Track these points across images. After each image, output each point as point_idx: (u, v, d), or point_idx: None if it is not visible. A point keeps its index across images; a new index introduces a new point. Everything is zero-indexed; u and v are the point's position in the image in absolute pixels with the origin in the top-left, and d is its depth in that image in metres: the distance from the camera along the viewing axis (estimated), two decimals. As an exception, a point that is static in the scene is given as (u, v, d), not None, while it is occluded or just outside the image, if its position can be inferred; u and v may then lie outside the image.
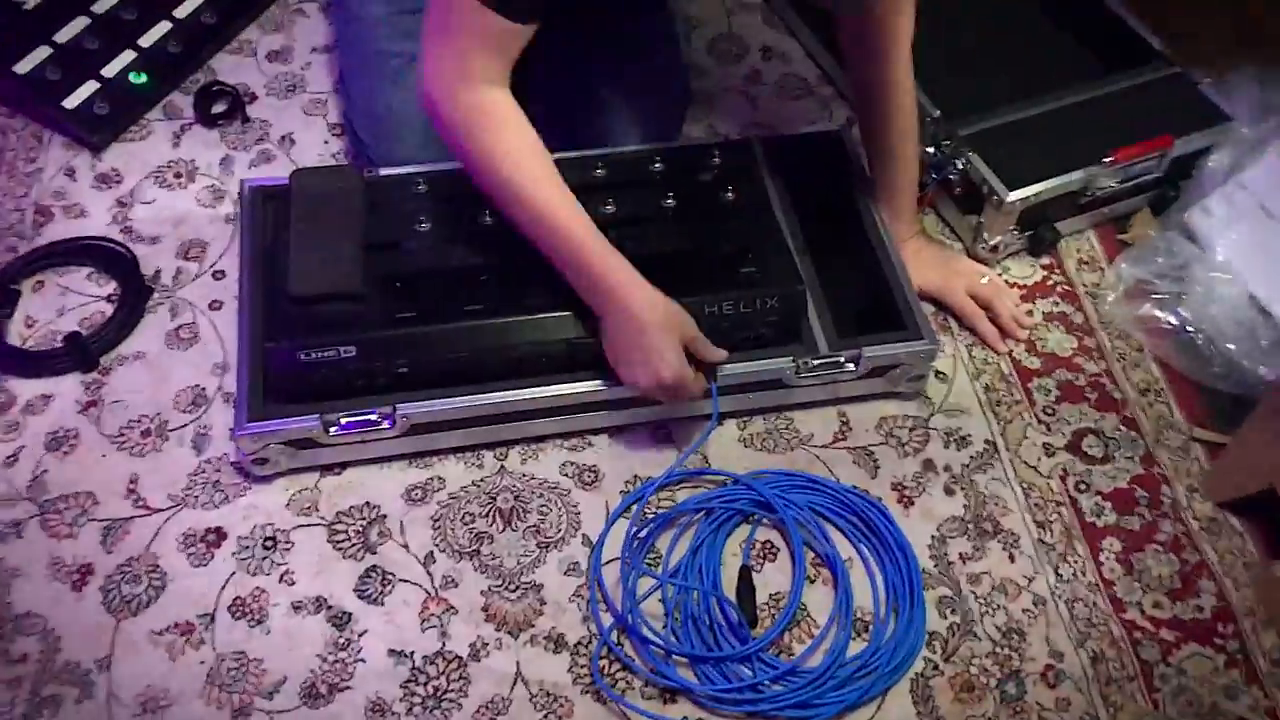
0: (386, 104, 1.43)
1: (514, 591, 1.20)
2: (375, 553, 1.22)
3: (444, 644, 1.16)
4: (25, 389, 1.33)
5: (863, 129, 1.41)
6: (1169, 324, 1.39)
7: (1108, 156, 1.43)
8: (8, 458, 1.27)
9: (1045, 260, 1.51)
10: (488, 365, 1.23)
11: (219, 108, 1.61)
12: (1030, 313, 1.45)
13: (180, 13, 1.65)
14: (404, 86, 1.40)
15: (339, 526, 1.23)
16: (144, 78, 1.60)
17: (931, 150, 1.47)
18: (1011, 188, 1.42)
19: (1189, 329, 1.38)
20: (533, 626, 1.17)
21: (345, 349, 1.19)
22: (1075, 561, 1.24)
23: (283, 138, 1.59)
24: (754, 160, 1.44)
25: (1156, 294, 1.41)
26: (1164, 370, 1.40)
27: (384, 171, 1.38)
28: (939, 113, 1.49)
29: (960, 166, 1.46)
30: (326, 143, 1.59)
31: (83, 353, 1.34)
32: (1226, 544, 1.26)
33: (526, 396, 1.24)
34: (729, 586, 1.20)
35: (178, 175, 1.55)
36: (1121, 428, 1.35)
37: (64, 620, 1.16)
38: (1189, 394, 1.38)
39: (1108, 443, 1.33)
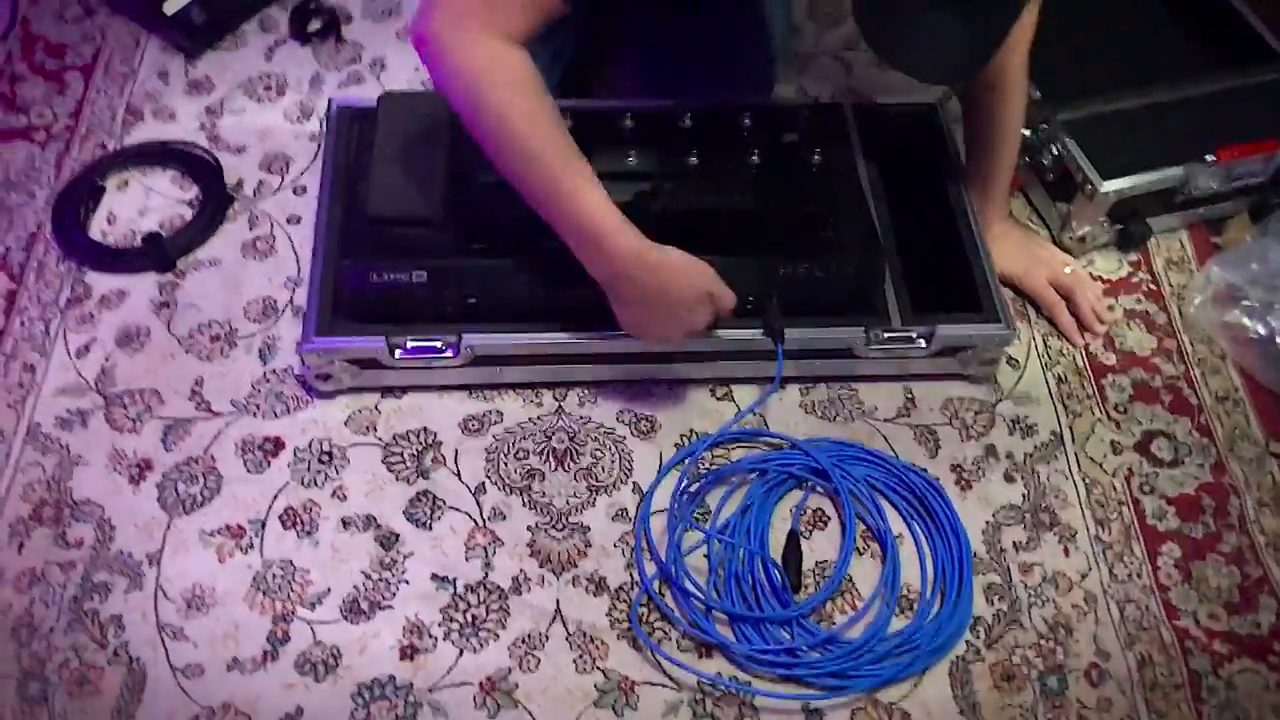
0: None
1: (560, 530, 1.20)
2: (427, 478, 1.22)
3: (487, 574, 1.17)
4: (102, 283, 1.35)
5: (965, 111, 1.38)
6: (1256, 333, 1.35)
7: (1210, 155, 1.38)
8: (79, 348, 1.30)
9: (1133, 256, 1.47)
10: (558, 305, 1.22)
11: (314, 25, 1.62)
12: (1112, 308, 1.41)
13: (284, -73, 1.66)
14: None
15: (395, 449, 1.24)
16: (243, -11, 1.61)
17: (1027, 132, 1.43)
18: (1106, 178, 1.38)
19: (1277, 340, 1.33)
20: (575, 567, 1.18)
21: (417, 274, 1.19)
22: (1131, 563, 1.21)
23: (374, 61, 1.60)
24: (844, 125, 1.41)
25: (1246, 301, 1.36)
26: (1245, 380, 1.36)
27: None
28: (1039, 94, 1.45)
29: (1055, 152, 1.42)
30: (417, 69, 1.59)
31: (161, 253, 1.36)
32: (1292, 563, 1.22)
33: (590, 340, 1.24)
34: (775, 550, 1.19)
35: (268, 88, 1.56)
36: (1194, 433, 1.31)
37: (120, 511, 1.19)
38: (1268, 406, 1.34)
39: (1178, 447, 1.30)
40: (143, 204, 1.43)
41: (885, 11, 1.06)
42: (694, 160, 1.30)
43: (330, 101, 1.39)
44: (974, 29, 1.04)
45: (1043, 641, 1.16)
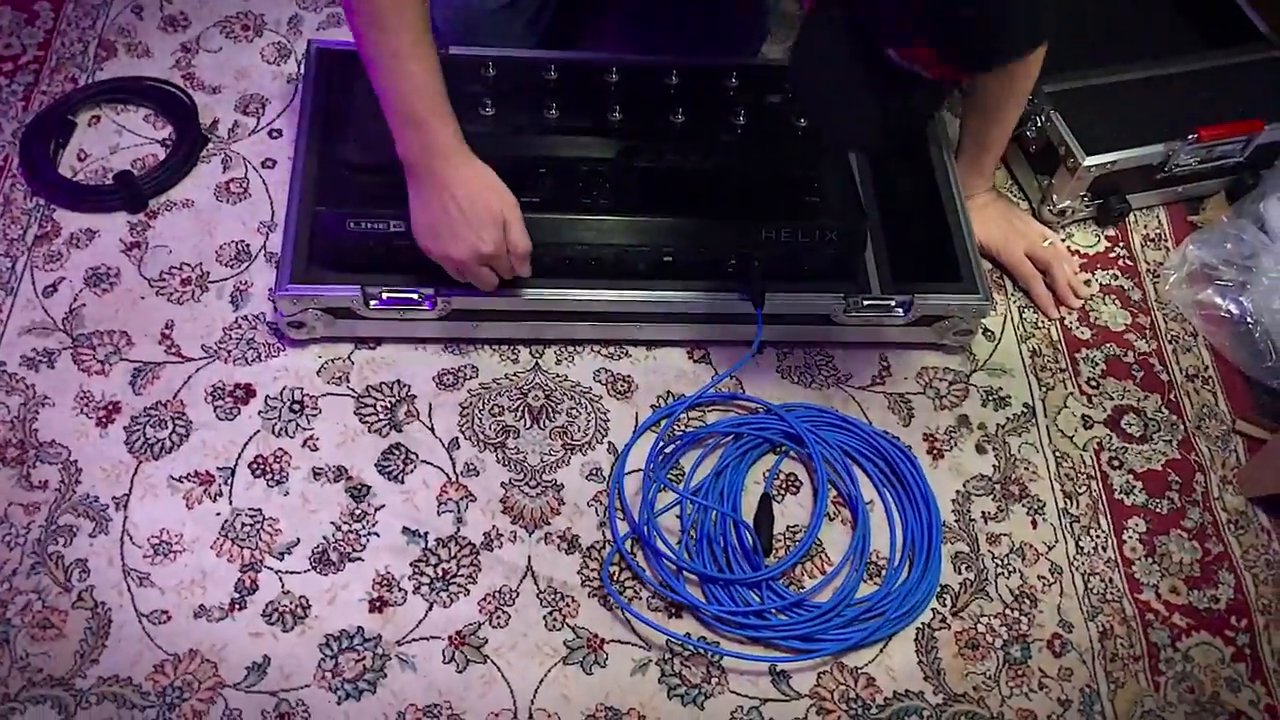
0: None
1: (534, 488, 1.19)
2: (400, 431, 1.21)
3: (458, 529, 1.16)
4: (71, 221, 1.33)
5: (970, 81, 1.35)
6: (1228, 312, 1.36)
7: (1192, 133, 1.38)
8: (47, 287, 1.27)
9: (1111, 231, 1.48)
10: (535, 261, 1.21)
11: (294, -36, 1.58)
12: (1088, 283, 1.42)
13: None
14: None
15: (367, 400, 1.23)
16: (221, -77, 1.57)
17: (1012, 104, 1.43)
18: (1089, 152, 1.38)
19: (1248, 320, 1.34)
20: (548, 524, 1.17)
21: (395, 223, 1.17)
22: (1098, 536, 1.23)
23: (354, 4, 1.56)
24: (831, 89, 1.40)
25: (1220, 280, 1.37)
26: (1215, 358, 1.37)
27: (454, 50, 1.35)
28: (1025, 66, 1.45)
29: (1039, 124, 1.42)
30: (398, 14, 1.55)
31: (132, 193, 1.33)
32: (1253, 540, 1.24)
33: (568, 297, 1.23)
34: (748, 513, 1.19)
35: (245, 28, 1.52)
36: (1164, 410, 1.32)
37: (86, 454, 1.17)
38: (1237, 385, 1.35)
39: (1147, 423, 1.31)
40: (114, 141, 1.39)
41: (816, 86, 1.07)
42: (679, 119, 1.29)
43: (310, 44, 1.36)
44: (892, 117, 1.06)
45: (1008, 611, 1.17)
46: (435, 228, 1.12)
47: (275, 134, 1.42)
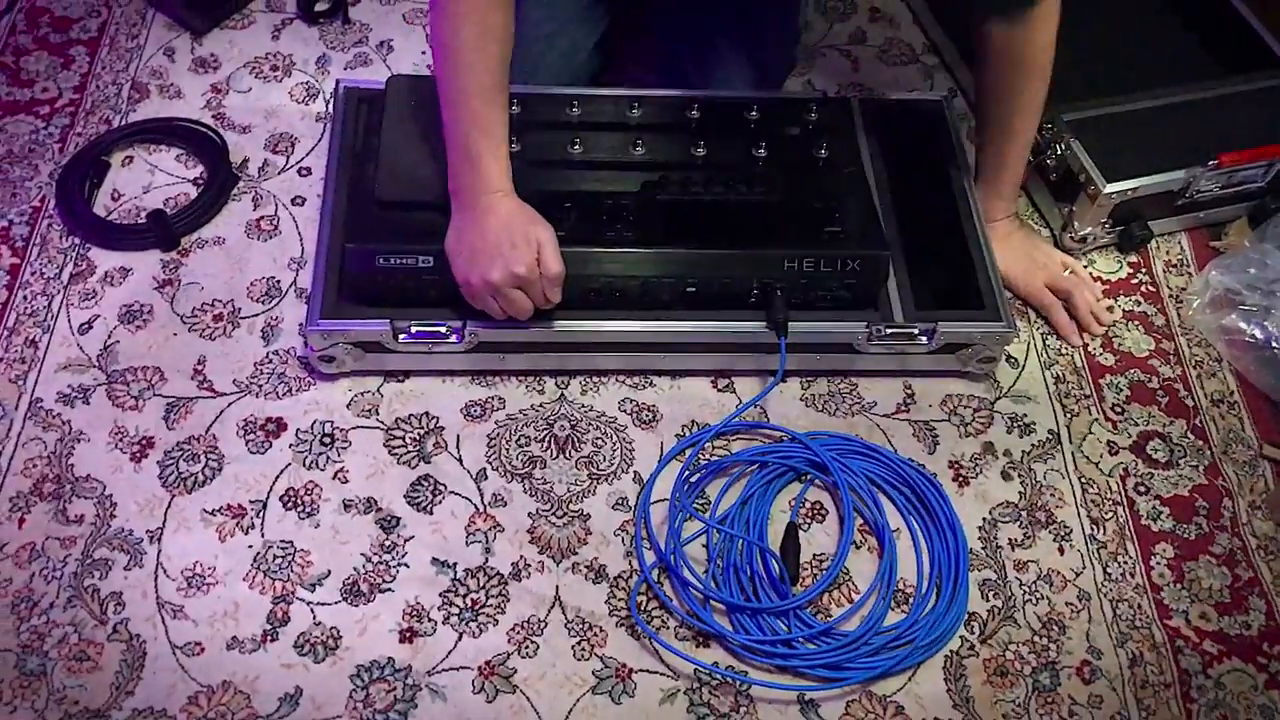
0: None
1: (561, 518, 1.20)
2: (429, 462, 1.23)
3: (487, 560, 1.17)
4: (105, 259, 1.35)
5: (981, 95, 1.33)
6: (1252, 337, 1.36)
7: (1213, 159, 1.39)
8: (82, 324, 1.30)
9: (1133, 258, 1.48)
10: (562, 293, 1.23)
11: (321, 5, 1.61)
12: (1111, 309, 1.42)
13: (293, -94, 1.65)
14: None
15: (396, 432, 1.25)
16: (251, -33, 1.61)
17: (1032, 131, 1.44)
18: (1110, 179, 1.39)
19: (1273, 345, 1.34)
20: (575, 554, 1.18)
21: (423, 258, 1.19)
22: (1125, 562, 1.22)
23: (381, 43, 1.59)
24: (851, 120, 1.42)
25: (1244, 305, 1.37)
26: (1240, 383, 1.37)
27: (478, 87, 1.37)
28: (1044, 94, 1.46)
29: (1059, 151, 1.43)
30: (424, 53, 1.58)
31: (165, 231, 1.35)
32: (1283, 565, 1.24)
33: (594, 329, 1.24)
34: (774, 542, 1.20)
35: (274, 68, 1.55)
36: (1189, 435, 1.32)
37: (121, 488, 1.19)
38: (1263, 410, 1.35)
39: (1173, 448, 1.31)
40: (147, 181, 1.42)
41: None
42: (701, 151, 1.30)
43: (338, 83, 1.39)
44: None
45: (1036, 638, 1.17)
46: (470, 252, 1.15)
47: (304, 172, 1.45)
